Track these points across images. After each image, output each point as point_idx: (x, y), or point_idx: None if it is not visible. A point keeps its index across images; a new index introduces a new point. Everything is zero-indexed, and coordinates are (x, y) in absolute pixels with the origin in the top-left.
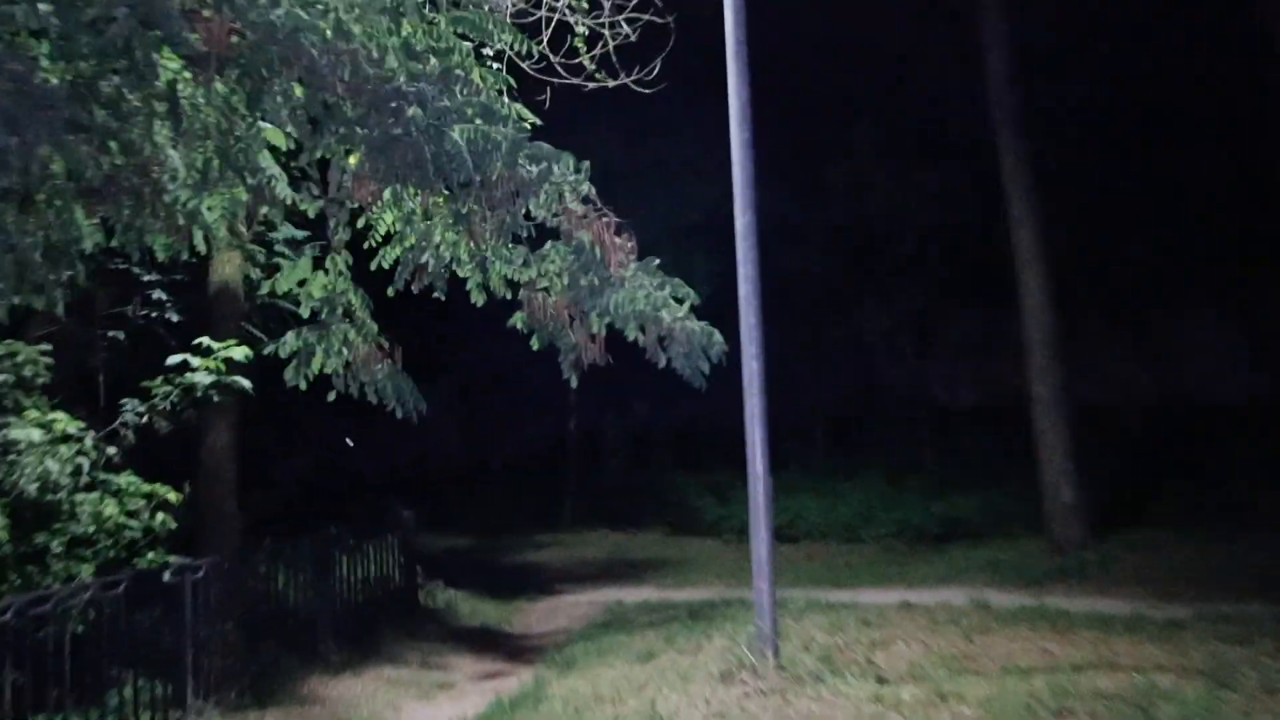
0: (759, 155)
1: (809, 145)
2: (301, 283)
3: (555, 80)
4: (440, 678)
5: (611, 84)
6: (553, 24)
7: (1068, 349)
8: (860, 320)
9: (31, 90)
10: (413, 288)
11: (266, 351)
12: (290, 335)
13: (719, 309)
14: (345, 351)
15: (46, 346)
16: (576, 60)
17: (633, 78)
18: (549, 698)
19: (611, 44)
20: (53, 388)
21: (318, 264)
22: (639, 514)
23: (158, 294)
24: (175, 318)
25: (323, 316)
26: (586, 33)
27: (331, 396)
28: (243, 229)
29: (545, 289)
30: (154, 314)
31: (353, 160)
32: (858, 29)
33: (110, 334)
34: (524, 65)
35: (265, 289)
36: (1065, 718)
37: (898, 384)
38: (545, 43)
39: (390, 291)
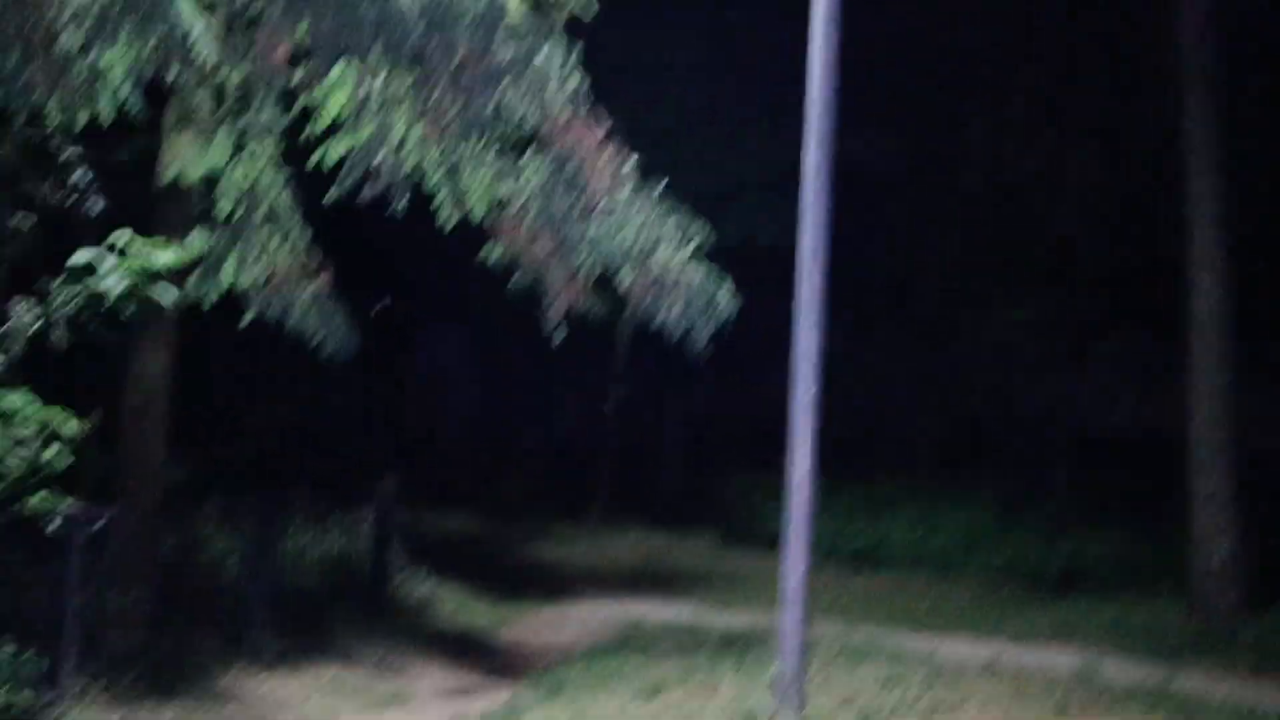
0: (865, 101)
1: (943, 99)
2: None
3: None
4: (395, 687)
5: None
6: None
7: (1243, 377)
8: (992, 320)
9: None
10: (363, 192)
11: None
12: (197, 234)
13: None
14: (263, 261)
15: None
16: None
17: None
18: None
19: None
20: None
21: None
22: (686, 515)
23: (79, 175)
24: (100, 207)
25: (237, 214)
26: None
27: (246, 320)
28: (200, 105)
29: (520, 212)
30: (71, 197)
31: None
32: None
33: (20, 215)
34: None
35: (170, 173)
36: None
37: (1029, 399)
38: None
39: (332, 195)
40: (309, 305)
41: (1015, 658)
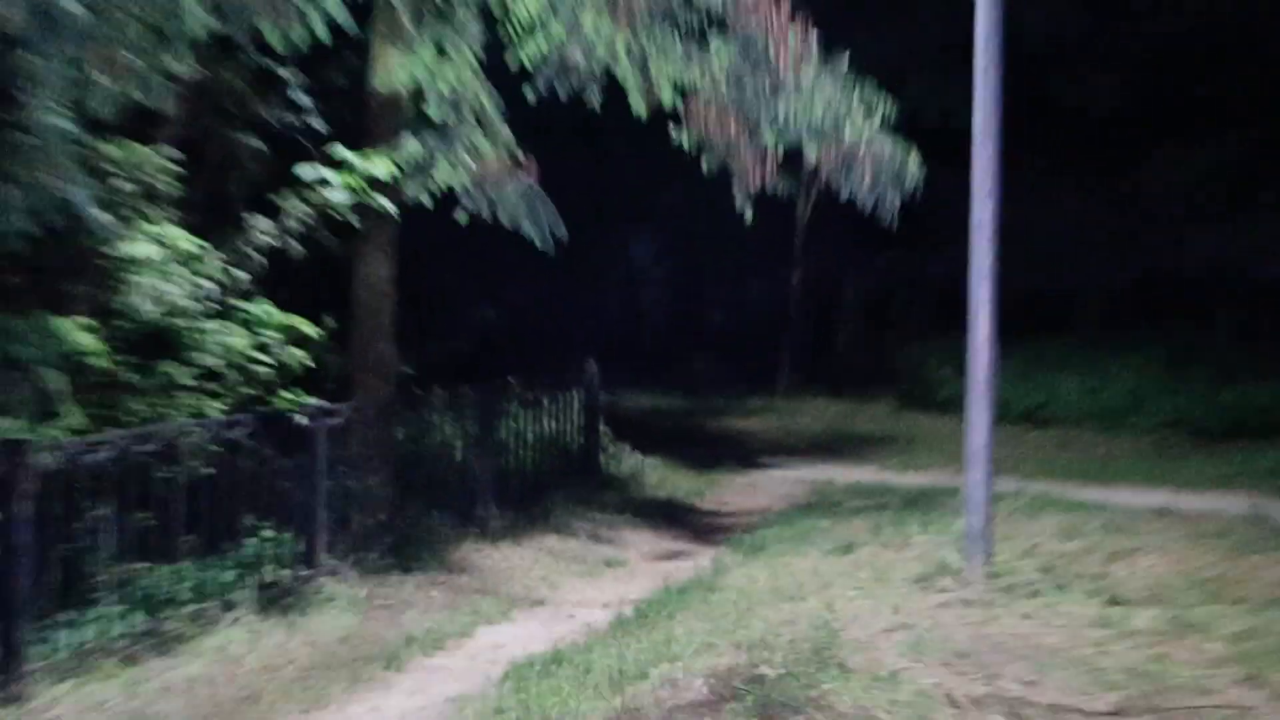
0: None
1: None
2: (428, 77)
3: None
4: (610, 554)
5: None
6: None
7: None
8: (1154, 171)
9: None
10: (559, 91)
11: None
12: (410, 140)
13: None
14: (470, 162)
15: (175, 154)
16: None
17: None
18: (722, 588)
19: None
20: (185, 203)
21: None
22: (867, 383)
23: (300, 97)
24: (320, 125)
25: (444, 119)
26: None
27: (463, 219)
28: (404, 18)
29: (709, 97)
30: (295, 121)
31: None
32: None
33: (249, 143)
34: None
35: (381, 79)
36: None
37: (1194, 250)
38: None
39: (529, 93)
40: (516, 200)
41: (1185, 505)
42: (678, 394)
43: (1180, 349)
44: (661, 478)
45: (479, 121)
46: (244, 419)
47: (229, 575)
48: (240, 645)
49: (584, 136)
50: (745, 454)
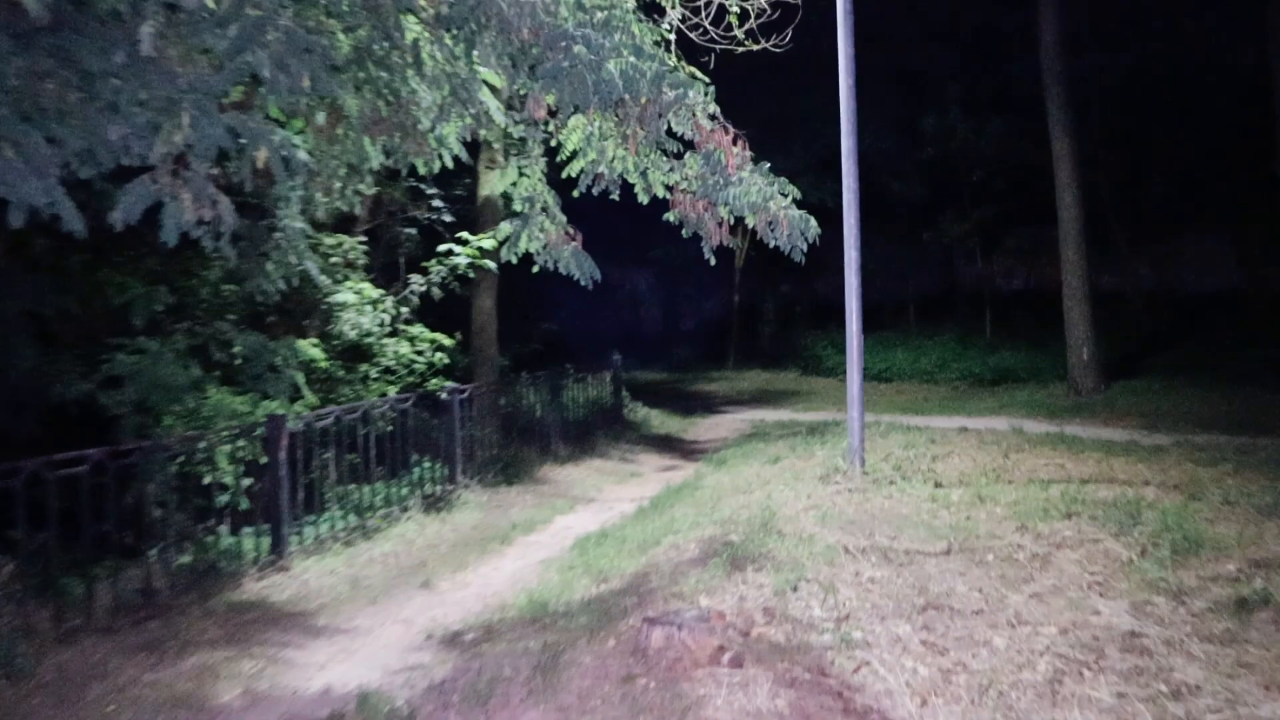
0: (869, 109)
1: (911, 101)
2: (513, 187)
3: (716, 46)
4: (633, 469)
5: (755, 48)
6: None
7: (1091, 251)
8: (942, 229)
9: (323, 51)
10: (593, 190)
11: (473, 238)
12: (504, 224)
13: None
14: (541, 235)
15: (363, 239)
16: (731, 33)
17: (772, 43)
18: (702, 486)
19: (753, 20)
20: (370, 268)
21: (523, 173)
22: (781, 359)
23: (437, 202)
24: (449, 218)
25: (524, 210)
26: (738, 10)
27: (535, 269)
28: (498, 153)
29: (685, 189)
30: (434, 217)
31: (549, 100)
32: (945, 11)
33: (407, 231)
34: (692, 36)
35: (485, 190)
36: (1072, 518)
37: (969, 275)
38: (709, 19)
39: (575, 193)
40: (570, 257)
41: (973, 425)
42: (666, 370)
43: (964, 333)
44: (661, 421)
45: (545, 211)
46: (408, 396)
47: (404, 490)
48: (413, 532)
49: (609, 214)
50: (710, 405)
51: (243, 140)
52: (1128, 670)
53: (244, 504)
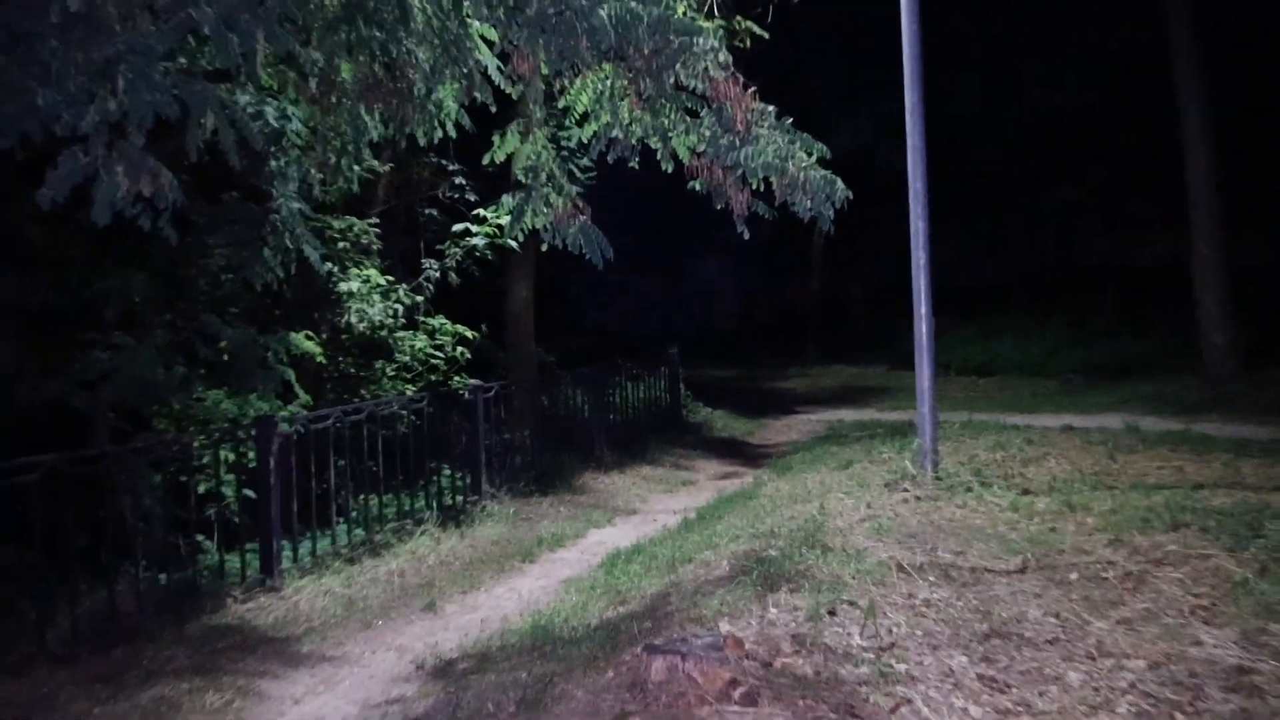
0: (963, 61)
1: (1012, 49)
2: (512, 156)
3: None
4: (686, 476)
5: None
6: None
7: (1230, 218)
8: (1052, 197)
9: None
10: (608, 158)
11: (490, 213)
12: (506, 197)
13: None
14: (547, 210)
15: (375, 221)
16: None
17: None
18: (758, 495)
19: None
20: (386, 253)
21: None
22: (868, 352)
23: (459, 179)
24: (473, 197)
25: (529, 181)
26: None
27: (544, 247)
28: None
29: (704, 154)
30: (456, 195)
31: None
32: None
33: (428, 211)
34: None
35: (486, 160)
36: (1179, 530)
37: (1086, 250)
38: None
39: (585, 161)
40: (577, 232)
41: (1082, 423)
42: (738, 366)
43: (1080, 317)
44: (725, 423)
45: (550, 182)
46: (423, 395)
47: (419, 501)
48: (425, 548)
49: (675, 196)
50: (784, 404)
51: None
52: (1231, 714)
53: (238, 517)
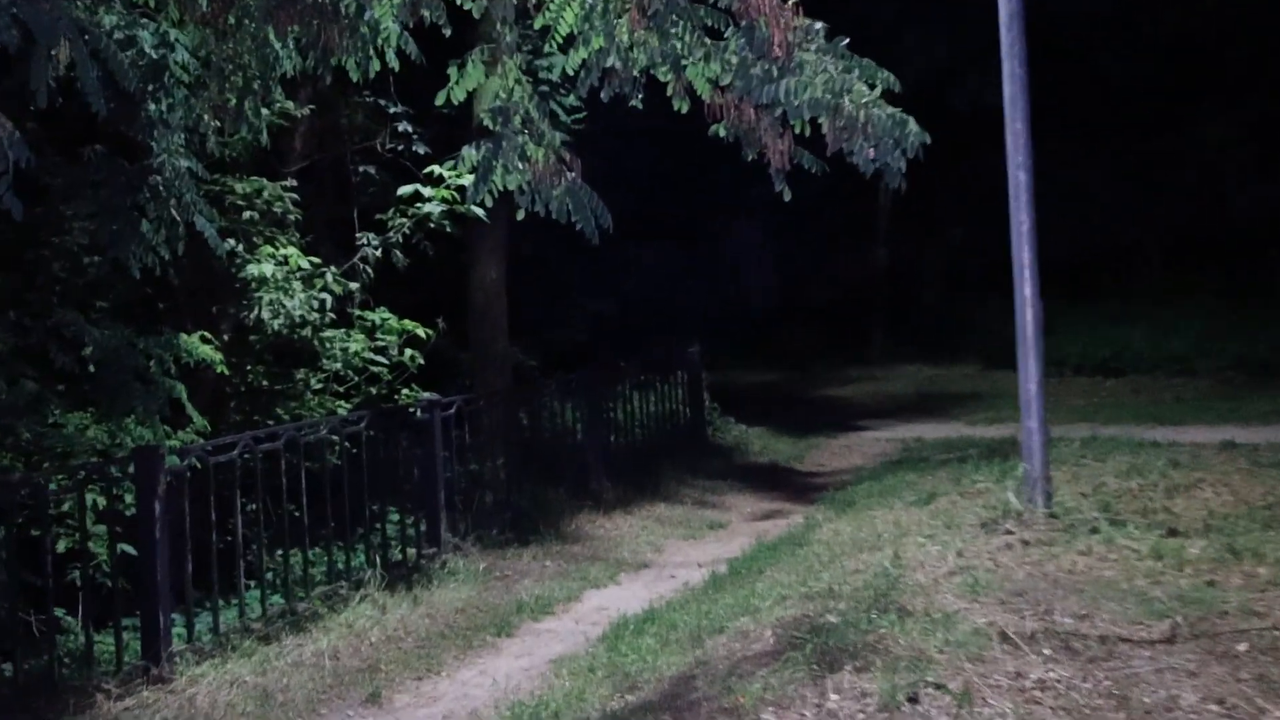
0: None
1: None
2: (475, 95)
3: None
4: (713, 517)
5: None
6: None
7: None
8: (1198, 134)
9: None
10: (601, 95)
11: (448, 171)
12: (467, 150)
13: None
14: (523, 166)
15: (292, 183)
16: None
17: None
18: (810, 542)
19: None
20: (307, 226)
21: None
22: (952, 346)
23: (404, 126)
24: (424, 150)
25: (497, 128)
26: None
27: (520, 215)
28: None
29: (729, 86)
30: (401, 147)
31: None
32: None
33: (363, 169)
34: None
35: (440, 100)
36: None
37: (1245, 204)
38: None
39: (571, 100)
40: (564, 195)
41: (1249, 440)
42: (780, 367)
43: (1238, 291)
44: (764, 444)
45: (526, 127)
46: (361, 415)
47: (359, 557)
48: (366, 620)
49: (697, 146)
50: (842, 418)
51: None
52: None
53: (113, 583)
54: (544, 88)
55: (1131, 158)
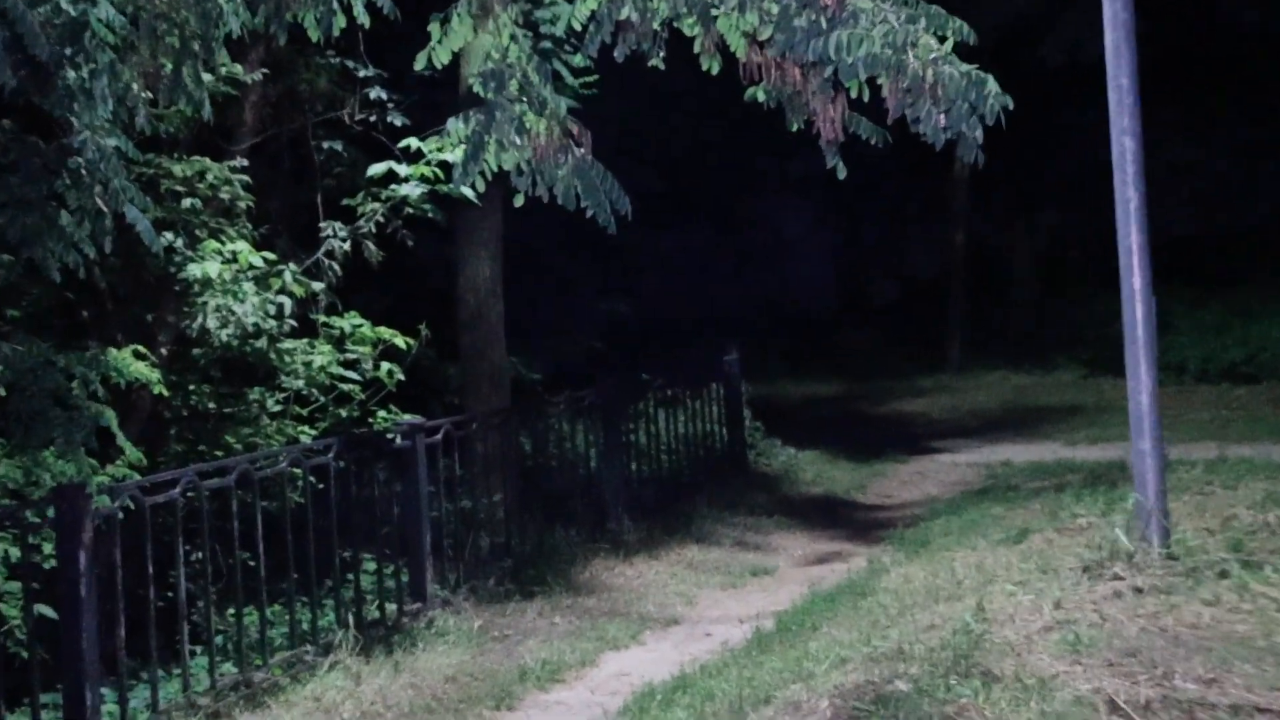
0: None
1: None
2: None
3: None
4: (757, 561)
5: None
6: None
7: None
8: None
9: None
10: (615, 54)
11: (429, 146)
12: (454, 122)
13: None
14: (520, 141)
15: (241, 163)
16: None
17: None
18: (875, 591)
19: None
20: (261, 216)
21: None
22: (1047, 350)
23: (377, 92)
24: (401, 121)
25: (490, 95)
26: None
27: (518, 201)
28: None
29: (769, 41)
30: (373, 118)
31: None
32: None
33: (328, 146)
34: None
35: (421, 62)
36: None
37: None
38: None
39: (579, 59)
40: (570, 175)
41: None
42: (838, 378)
43: None
44: (818, 472)
45: (523, 93)
46: (328, 443)
47: (328, 615)
48: (337, 692)
49: (719, 109)
50: (914, 439)
51: None
52: None
53: (28, 652)
54: (546, 44)
55: (1264, 124)
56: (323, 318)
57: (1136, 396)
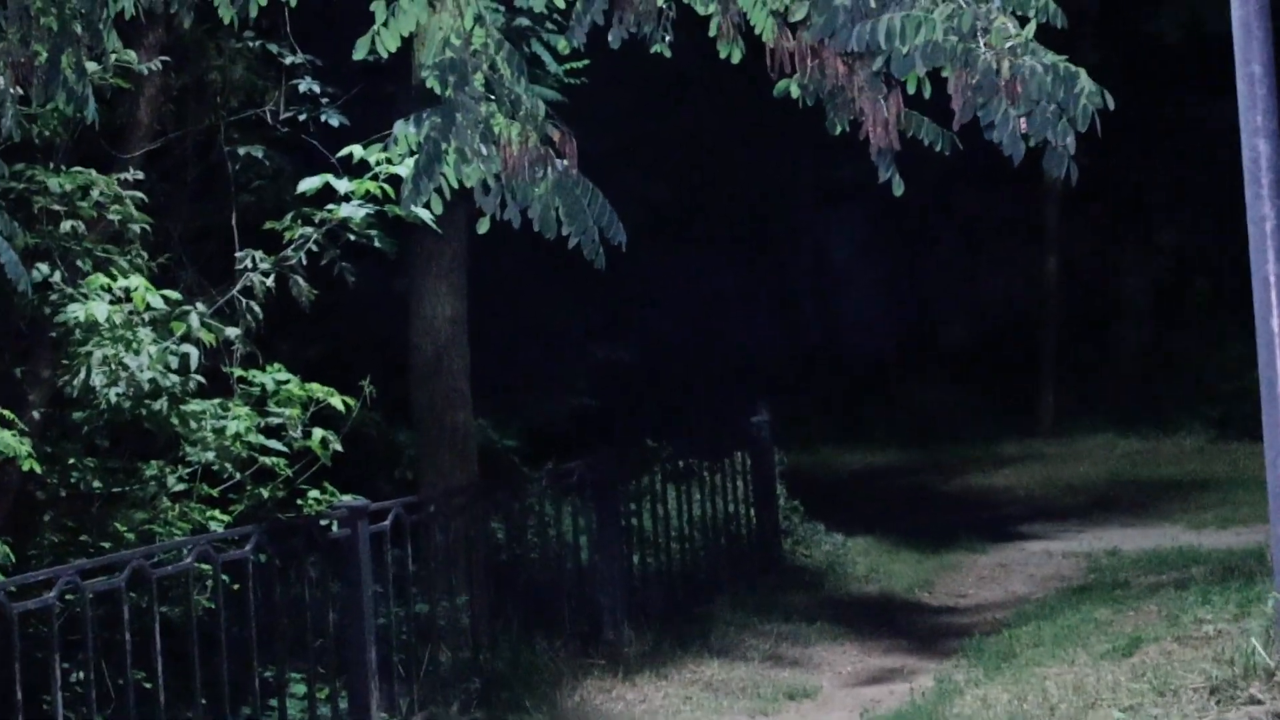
0: None
1: None
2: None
3: None
4: (794, 681)
5: None
6: None
7: None
8: None
9: None
10: (609, 38)
11: (374, 154)
12: (401, 124)
13: None
14: (486, 152)
15: (135, 175)
16: None
17: None
18: (946, 718)
19: None
20: (161, 242)
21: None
22: (1164, 407)
23: (307, 85)
24: (338, 121)
25: (447, 91)
26: None
27: (483, 228)
28: None
29: (803, 23)
30: (303, 115)
31: None
32: None
33: (248, 152)
34: None
35: (362, 50)
36: None
37: None
38: None
39: (563, 46)
40: (550, 193)
41: None
42: (898, 443)
43: None
44: (872, 565)
45: (489, 90)
46: (246, 531)
47: None
48: None
49: (742, 106)
50: (995, 522)
51: None
52: None
53: None
54: (522, 22)
55: None
56: (239, 371)
57: (1277, 467)
